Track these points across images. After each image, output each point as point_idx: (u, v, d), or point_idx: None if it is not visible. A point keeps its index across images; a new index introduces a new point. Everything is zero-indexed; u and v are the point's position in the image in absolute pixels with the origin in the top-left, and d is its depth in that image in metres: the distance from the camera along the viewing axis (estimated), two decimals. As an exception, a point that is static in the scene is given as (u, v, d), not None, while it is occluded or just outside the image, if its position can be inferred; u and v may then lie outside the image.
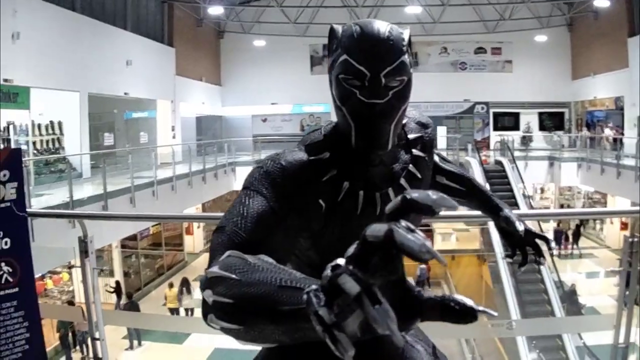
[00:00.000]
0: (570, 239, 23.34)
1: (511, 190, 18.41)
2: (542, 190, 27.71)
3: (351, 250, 0.83)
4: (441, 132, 26.56)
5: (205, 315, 1.06)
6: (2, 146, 15.42)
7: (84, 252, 3.46)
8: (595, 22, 25.40)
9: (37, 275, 13.38)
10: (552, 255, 16.51)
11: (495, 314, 0.82)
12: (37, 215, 5.54)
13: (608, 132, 23.31)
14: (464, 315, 0.82)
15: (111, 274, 17.74)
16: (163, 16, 24.57)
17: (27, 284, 3.23)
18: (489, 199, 1.92)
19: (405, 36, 1.47)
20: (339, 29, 1.49)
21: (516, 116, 29.62)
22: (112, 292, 16.25)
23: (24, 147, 15.94)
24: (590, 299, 15.05)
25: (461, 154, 21.93)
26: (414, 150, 1.63)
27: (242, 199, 1.38)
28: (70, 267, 14.22)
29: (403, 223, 0.79)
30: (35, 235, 9.76)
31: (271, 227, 1.34)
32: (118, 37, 19.90)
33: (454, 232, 23.43)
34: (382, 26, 1.43)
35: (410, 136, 1.65)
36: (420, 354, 1.67)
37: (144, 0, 22.90)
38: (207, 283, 1.06)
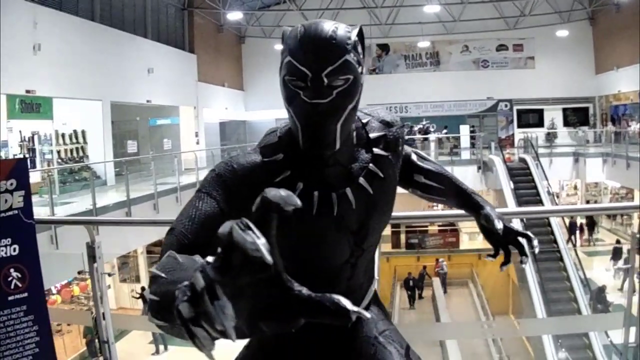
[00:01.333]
0: (586, 231, 23.16)
1: (535, 187, 18.25)
2: (576, 187, 27.37)
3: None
4: (464, 131, 26.41)
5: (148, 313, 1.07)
6: (27, 156, 15.70)
7: (92, 258, 3.51)
8: (617, 14, 25.02)
9: (63, 282, 13.55)
10: (575, 251, 16.34)
11: (368, 315, 0.82)
12: (45, 222, 5.63)
13: (634, 127, 22.95)
14: (338, 315, 0.82)
15: (137, 279, 17.90)
16: (184, 23, 24.79)
17: (36, 289, 3.29)
18: (469, 197, 1.88)
19: (352, 35, 1.46)
20: (287, 31, 1.48)
21: (540, 113, 29.33)
22: (138, 298, 16.38)
23: (48, 156, 16.21)
24: (619, 297, 14.83)
25: (485, 152, 21.75)
26: (375, 149, 1.61)
27: (193, 201, 1.41)
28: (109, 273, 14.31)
29: (244, 221, 0.79)
30: (59, 243, 9.98)
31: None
32: (139, 46, 20.11)
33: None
34: (326, 26, 1.43)
35: (372, 135, 1.62)
36: (392, 355, 1.67)
37: (164, 8, 23.12)
38: (149, 282, 1.07)
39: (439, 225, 23.91)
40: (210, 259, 0.81)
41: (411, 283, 20.19)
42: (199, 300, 0.77)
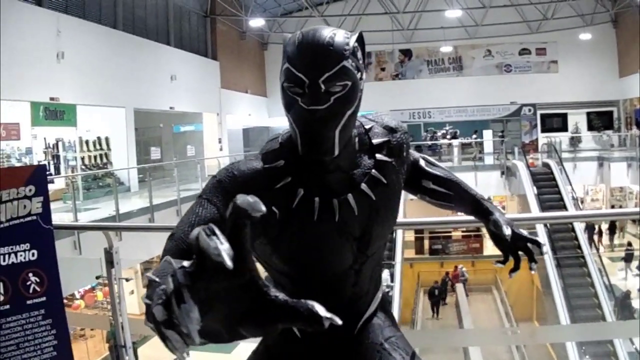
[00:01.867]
0: (605, 235, 22.96)
1: (559, 192, 18.10)
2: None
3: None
4: (487, 136, 26.27)
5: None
6: (52, 162, 15.90)
7: (110, 263, 3.56)
8: (641, 17, 24.78)
9: (87, 287, 13.65)
10: (599, 256, 16.15)
11: (339, 322, 0.82)
12: (62, 228, 5.69)
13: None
14: (311, 321, 0.82)
15: (161, 285, 17.94)
16: (206, 30, 24.98)
17: (54, 293, 3.33)
18: (478, 203, 1.86)
19: (351, 41, 1.46)
20: (287, 38, 1.49)
21: (564, 117, 29.10)
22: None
23: (72, 163, 16.40)
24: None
25: (508, 157, 21.62)
26: (377, 155, 1.61)
27: (194, 207, 1.41)
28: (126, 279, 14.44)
29: (210, 227, 0.80)
30: (82, 248, 10.08)
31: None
32: (162, 53, 20.30)
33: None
34: (323, 33, 1.44)
35: (375, 141, 1.62)
36: None
37: (187, 16, 23.32)
38: (146, 287, 1.09)
39: (463, 231, 23.76)
40: (186, 263, 0.82)
41: (436, 292, 20.02)
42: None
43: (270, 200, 1.44)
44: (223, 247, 0.77)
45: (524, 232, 1.79)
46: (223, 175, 1.47)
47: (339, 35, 1.45)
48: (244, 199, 0.82)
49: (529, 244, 1.76)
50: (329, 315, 0.81)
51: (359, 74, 1.48)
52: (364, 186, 1.56)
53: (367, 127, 1.64)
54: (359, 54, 1.50)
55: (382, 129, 1.67)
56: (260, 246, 1.51)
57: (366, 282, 1.65)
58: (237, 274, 0.78)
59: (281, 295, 0.83)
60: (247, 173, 1.47)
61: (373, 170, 1.59)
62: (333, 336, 1.59)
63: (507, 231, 1.75)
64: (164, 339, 0.80)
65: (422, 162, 1.91)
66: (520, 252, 1.78)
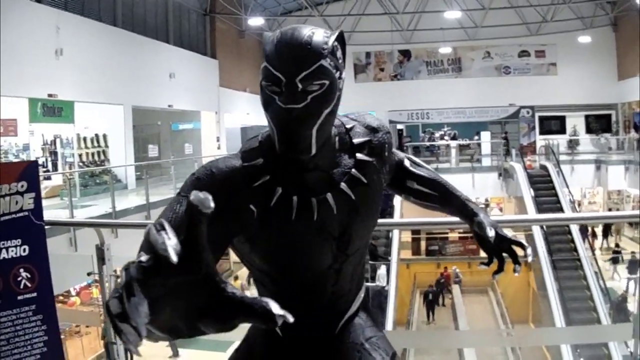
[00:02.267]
0: (599, 236, 22.98)
1: (556, 195, 18.13)
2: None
3: None
4: (485, 138, 26.29)
5: None
6: (50, 159, 15.90)
7: (101, 259, 3.57)
8: (640, 20, 24.81)
9: (83, 284, 13.64)
10: (595, 259, 16.17)
11: (291, 319, 0.83)
12: (54, 224, 5.69)
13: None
14: (266, 319, 0.83)
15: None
16: (205, 29, 24.96)
17: (44, 289, 3.34)
18: (463, 204, 1.86)
19: (330, 40, 1.46)
20: (267, 36, 1.50)
21: (562, 119, 29.13)
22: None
23: (69, 159, 16.40)
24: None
25: (507, 159, 21.66)
26: (358, 155, 1.61)
27: (172, 204, 1.41)
28: (116, 275, 14.46)
29: (160, 222, 0.81)
30: (77, 245, 10.10)
31: None
32: (161, 51, 20.30)
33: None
34: (302, 31, 1.44)
35: (355, 140, 1.62)
36: None
37: (186, 14, 23.32)
38: None
39: (460, 233, 23.77)
40: (144, 258, 0.83)
41: (430, 296, 19.93)
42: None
43: (248, 198, 1.45)
44: (170, 242, 0.78)
45: (508, 234, 1.79)
46: (201, 172, 1.47)
47: (317, 34, 1.45)
48: (196, 196, 0.82)
49: (513, 246, 1.77)
50: (281, 312, 0.82)
51: (338, 73, 1.49)
52: (343, 185, 1.56)
53: (348, 126, 1.64)
54: (339, 53, 1.51)
55: (363, 128, 1.67)
56: (239, 244, 1.51)
57: (347, 282, 1.64)
58: (191, 269, 0.79)
59: (238, 292, 0.84)
60: (225, 171, 1.47)
61: (353, 170, 1.58)
62: (314, 335, 1.60)
63: (491, 233, 1.75)
64: (118, 332, 0.81)
65: (406, 162, 1.91)
66: (505, 254, 1.78)
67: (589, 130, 28.61)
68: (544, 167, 20.41)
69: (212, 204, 0.83)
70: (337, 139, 1.59)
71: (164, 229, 0.80)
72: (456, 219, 1.92)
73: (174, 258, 0.78)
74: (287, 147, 1.46)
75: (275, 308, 0.82)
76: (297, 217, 1.50)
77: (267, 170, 1.50)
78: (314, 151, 1.47)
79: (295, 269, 1.55)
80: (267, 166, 1.51)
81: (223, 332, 0.86)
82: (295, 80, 1.41)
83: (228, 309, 0.83)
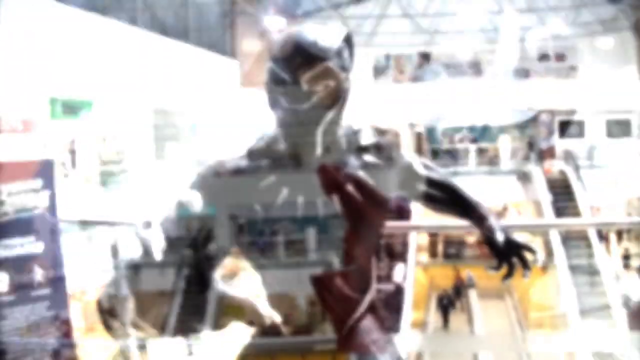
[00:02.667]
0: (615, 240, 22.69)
1: (574, 200, 17.99)
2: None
3: None
4: (504, 141, 26.10)
5: None
6: (69, 157, 15.98)
7: (115, 257, 3.56)
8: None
9: (99, 282, 13.87)
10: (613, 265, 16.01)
11: (279, 320, 0.84)
12: (69, 222, 5.72)
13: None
14: (256, 318, 0.84)
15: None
16: (225, 29, 24.99)
17: (58, 285, 3.37)
18: (473, 208, 1.85)
19: (337, 41, 1.46)
20: (273, 37, 1.52)
21: (582, 124, 28.83)
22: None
23: (89, 158, 16.47)
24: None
25: (525, 163, 21.53)
26: (365, 156, 1.60)
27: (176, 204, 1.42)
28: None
29: (147, 220, 0.82)
30: (94, 243, 10.13)
31: None
32: (180, 51, 20.30)
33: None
34: (308, 32, 1.45)
35: (363, 142, 1.62)
36: None
37: (206, 14, 23.35)
38: None
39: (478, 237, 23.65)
40: (132, 256, 0.84)
41: (445, 301, 19.80)
42: None
43: (253, 198, 1.45)
44: (154, 239, 0.79)
45: (518, 239, 1.79)
46: (207, 172, 1.48)
47: (324, 35, 1.45)
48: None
49: (523, 251, 1.76)
50: (269, 313, 0.82)
51: (344, 74, 1.48)
52: (349, 187, 1.55)
53: (356, 128, 1.64)
54: (346, 54, 1.50)
55: (372, 130, 1.66)
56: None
57: (354, 282, 1.62)
58: (182, 267, 0.80)
59: (230, 291, 0.85)
60: (229, 171, 1.47)
61: (360, 171, 1.58)
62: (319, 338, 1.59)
63: (501, 237, 1.74)
64: (108, 327, 0.82)
65: (416, 165, 1.88)
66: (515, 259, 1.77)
67: (609, 134, 28.30)
68: (562, 172, 20.25)
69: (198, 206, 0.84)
70: (344, 139, 1.58)
71: (150, 226, 0.81)
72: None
73: (156, 255, 0.79)
74: (292, 147, 1.46)
75: (264, 309, 0.83)
76: (302, 218, 1.50)
77: (273, 171, 1.50)
78: (318, 151, 1.48)
79: (301, 271, 1.53)
80: (273, 167, 1.51)
81: (214, 330, 0.87)
82: (300, 80, 1.41)
83: (219, 308, 0.84)
